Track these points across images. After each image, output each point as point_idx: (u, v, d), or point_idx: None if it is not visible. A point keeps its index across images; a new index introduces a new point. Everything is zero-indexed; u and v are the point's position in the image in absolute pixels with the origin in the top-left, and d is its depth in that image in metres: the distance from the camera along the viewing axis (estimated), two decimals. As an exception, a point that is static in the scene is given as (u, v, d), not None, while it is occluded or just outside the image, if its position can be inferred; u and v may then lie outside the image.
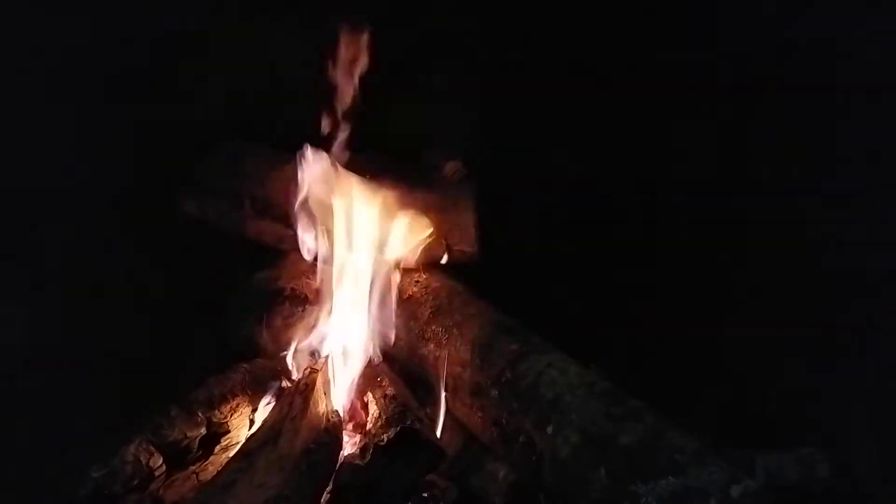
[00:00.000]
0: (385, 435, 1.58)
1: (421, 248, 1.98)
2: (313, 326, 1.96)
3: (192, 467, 1.74)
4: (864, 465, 1.77)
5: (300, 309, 2.08)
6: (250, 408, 1.87)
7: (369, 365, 1.85)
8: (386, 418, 1.66)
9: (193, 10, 2.36)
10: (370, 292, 1.90)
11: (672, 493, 1.27)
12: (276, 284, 2.20)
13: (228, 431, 1.83)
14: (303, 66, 2.07)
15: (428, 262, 2.07)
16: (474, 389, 1.69)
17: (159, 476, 1.67)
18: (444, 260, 2.08)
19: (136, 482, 1.62)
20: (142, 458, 1.65)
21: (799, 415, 1.90)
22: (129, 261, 2.33)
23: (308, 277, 2.16)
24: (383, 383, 1.79)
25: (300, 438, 1.53)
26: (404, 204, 1.99)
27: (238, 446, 1.68)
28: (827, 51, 2.05)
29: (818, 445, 1.69)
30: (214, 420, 1.81)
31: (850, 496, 1.67)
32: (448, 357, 1.79)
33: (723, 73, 2.22)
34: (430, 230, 1.98)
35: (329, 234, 1.98)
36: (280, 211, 2.22)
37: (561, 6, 2.30)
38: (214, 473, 1.59)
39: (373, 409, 1.75)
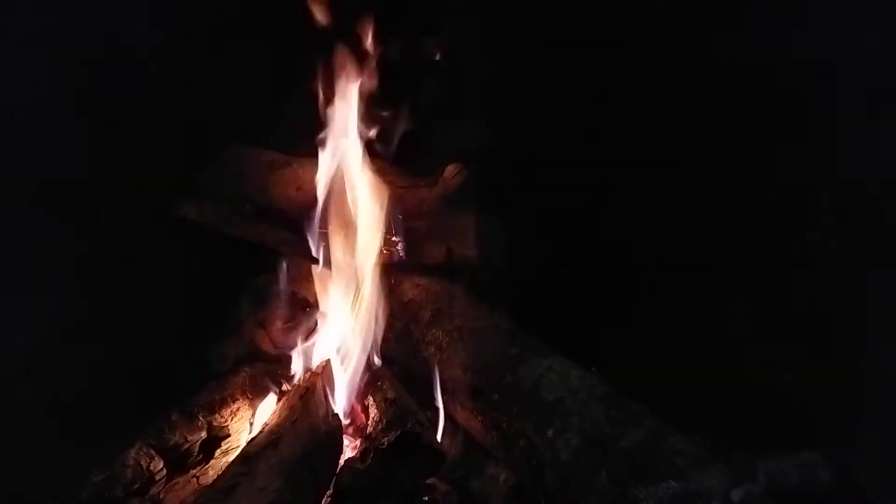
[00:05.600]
0: (385, 439, 1.58)
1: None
2: (314, 330, 1.96)
3: (193, 471, 1.74)
4: (865, 469, 1.76)
5: (301, 312, 2.08)
6: (251, 411, 1.87)
7: (370, 368, 1.85)
8: (386, 422, 1.66)
9: (194, 13, 2.37)
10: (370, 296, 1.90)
11: (673, 496, 1.26)
12: (276, 288, 2.20)
13: (229, 435, 1.84)
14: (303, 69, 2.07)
15: (429, 266, 2.07)
16: (475, 393, 1.69)
17: (160, 480, 1.68)
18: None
19: (136, 486, 1.63)
20: (142, 462, 1.65)
21: (800, 418, 1.89)
22: (130, 265, 2.33)
23: (309, 281, 2.16)
24: (384, 387, 1.80)
25: (301, 442, 1.53)
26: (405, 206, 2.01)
27: (238, 450, 1.68)
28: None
29: (819, 449, 1.68)
30: (215, 424, 1.81)
31: (851, 500, 1.66)
32: (448, 360, 1.79)
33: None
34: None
35: (331, 236, 1.99)
36: (281, 215, 2.23)
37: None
38: (215, 477, 1.59)
39: (373, 412, 1.75)
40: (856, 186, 2.06)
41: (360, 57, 2.02)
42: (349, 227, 1.98)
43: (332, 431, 1.63)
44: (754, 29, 2.11)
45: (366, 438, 1.72)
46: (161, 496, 1.66)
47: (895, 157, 1.99)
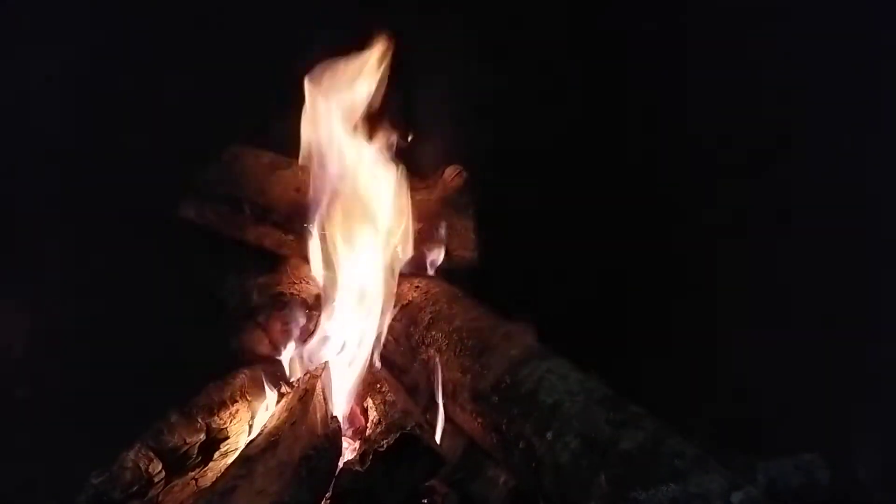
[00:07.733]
0: (384, 441, 1.57)
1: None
2: (313, 332, 1.96)
3: (192, 473, 1.74)
4: (864, 471, 1.76)
5: (300, 314, 2.08)
6: (250, 413, 1.87)
7: (369, 370, 1.85)
8: (385, 424, 1.66)
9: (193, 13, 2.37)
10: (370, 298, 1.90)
11: (673, 499, 1.26)
12: (276, 289, 2.20)
13: (228, 437, 1.83)
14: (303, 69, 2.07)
15: (427, 267, 2.07)
16: (474, 395, 1.69)
17: (158, 482, 1.67)
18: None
19: (135, 488, 1.62)
20: (141, 464, 1.64)
21: (799, 420, 1.89)
22: (129, 266, 2.33)
23: (308, 282, 2.16)
24: (383, 389, 1.79)
25: (299, 444, 1.52)
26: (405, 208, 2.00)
27: (237, 452, 1.68)
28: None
29: (819, 451, 1.68)
30: (214, 426, 1.80)
31: (851, 502, 1.66)
32: (448, 362, 1.79)
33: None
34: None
35: (331, 238, 1.98)
36: (280, 216, 2.22)
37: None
38: (214, 479, 1.58)
39: (372, 414, 1.75)
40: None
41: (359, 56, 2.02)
42: (350, 228, 1.97)
43: (331, 434, 1.63)
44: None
45: (365, 441, 1.71)
46: (159, 498, 1.65)
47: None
